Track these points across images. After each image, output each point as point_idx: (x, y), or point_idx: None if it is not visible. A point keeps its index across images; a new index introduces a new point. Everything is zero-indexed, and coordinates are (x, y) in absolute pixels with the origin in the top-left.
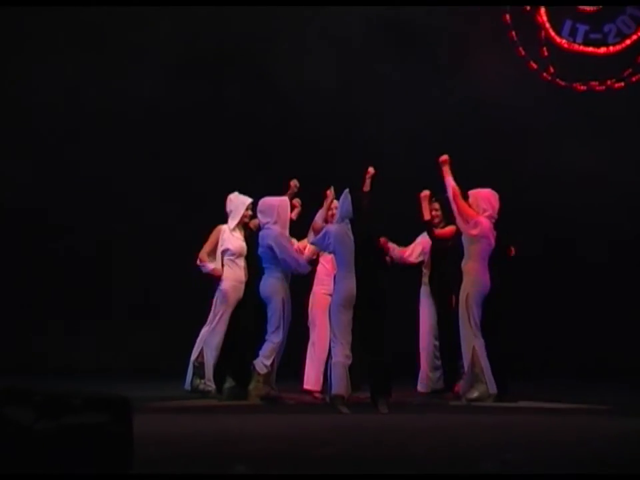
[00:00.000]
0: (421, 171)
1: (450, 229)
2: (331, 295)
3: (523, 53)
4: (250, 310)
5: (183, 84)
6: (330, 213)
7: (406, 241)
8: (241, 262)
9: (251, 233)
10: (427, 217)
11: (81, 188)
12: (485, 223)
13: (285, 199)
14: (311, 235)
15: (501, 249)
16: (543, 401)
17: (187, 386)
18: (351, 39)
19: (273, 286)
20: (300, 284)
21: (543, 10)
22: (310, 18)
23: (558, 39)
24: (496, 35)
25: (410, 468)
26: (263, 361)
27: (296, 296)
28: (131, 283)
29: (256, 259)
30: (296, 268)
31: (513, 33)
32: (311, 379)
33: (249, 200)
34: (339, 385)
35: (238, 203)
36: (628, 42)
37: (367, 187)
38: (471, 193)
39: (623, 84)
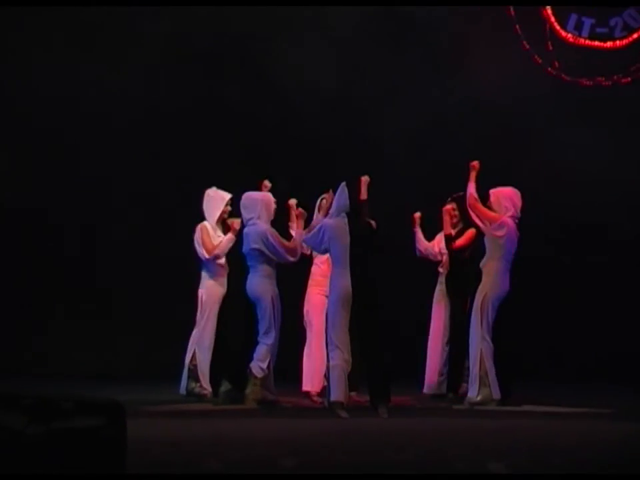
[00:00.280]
0: (421, 170)
1: (469, 233)
2: (326, 296)
3: (527, 47)
4: (240, 311)
5: (183, 84)
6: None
7: (406, 241)
8: (222, 260)
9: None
10: (447, 231)
11: (81, 188)
12: (509, 224)
13: (268, 193)
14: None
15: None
16: (546, 405)
17: (182, 390)
18: (351, 39)
19: (260, 285)
20: (295, 285)
21: None
22: (310, 18)
23: (563, 33)
24: (500, 28)
25: (410, 470)
26: (259, 364)
27: (291, 297)
28: (131, 283)
29: (240, 258)
30: (286, 260)
31: (517, 26)
32: (310, 379)
33: (228, 195)
34: (338, 391)
35: (217, 198)
36: (635, 36)
37: (363, 196)
38: (493, 192)
39: (629, 79)
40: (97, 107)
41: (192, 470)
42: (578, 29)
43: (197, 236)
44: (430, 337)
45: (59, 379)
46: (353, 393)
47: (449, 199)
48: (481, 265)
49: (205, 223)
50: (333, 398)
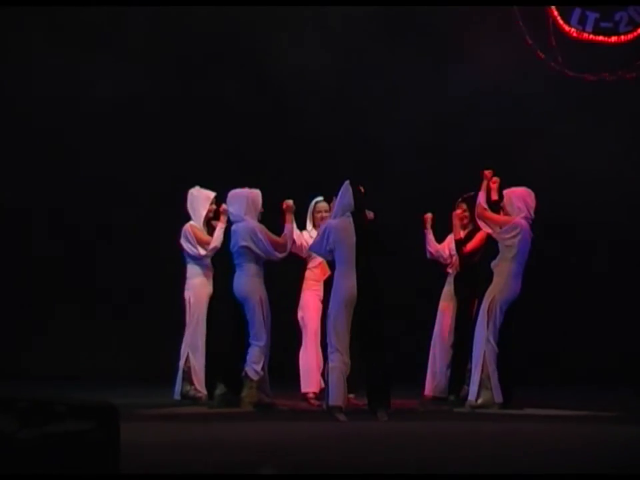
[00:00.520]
0: (421, 170)
1: (479, 236)
2: (321, 300)
3: (530, 42)
4: (228, 311)
5: (183, 83)
6: (319, 216)
7: (406, 241)
8: (207, 260)
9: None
10: (457, 236)
11: (81, 188)
12: (522, 225)
13: (256, 189)
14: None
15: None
16: (548, 408)
17: (177, 395)
18: (351, 39)
19: (248, 285)
20: (289, 287)
21: None
22: (310, 18)
23: (567, 28)
24: (502, 24)
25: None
26: (254, 367)
27: (285, 300)
28: (131, 283)
29: (226, 257)
30: (274, 257)
31: (520, 22)
32: (308, 380)
33: (212, 194)
34: (337, 395)
35: (201, 197)
36: None
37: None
38: (506, 192)
39: (634, 75)
40: (97, 107)
41: (187, 473)
42: (582, 23)
43: (189, 236)
44: (434, 338)
45: (57, 380)
46: (351, 395)
47: (459, 200)
48: (493, 265)
49: (192, 222)
50: (331, 401)
